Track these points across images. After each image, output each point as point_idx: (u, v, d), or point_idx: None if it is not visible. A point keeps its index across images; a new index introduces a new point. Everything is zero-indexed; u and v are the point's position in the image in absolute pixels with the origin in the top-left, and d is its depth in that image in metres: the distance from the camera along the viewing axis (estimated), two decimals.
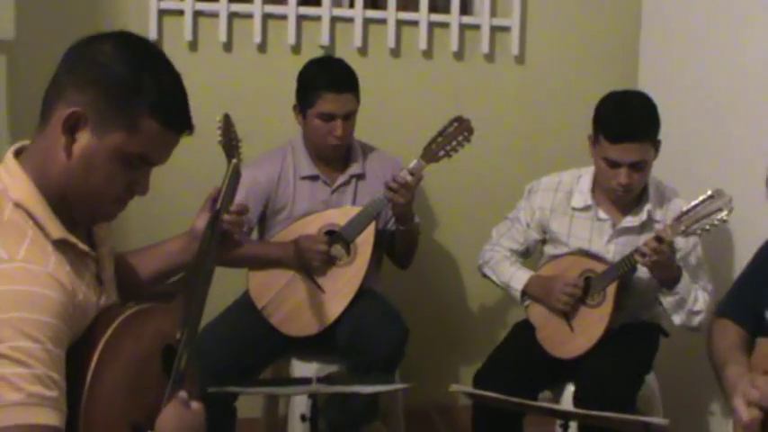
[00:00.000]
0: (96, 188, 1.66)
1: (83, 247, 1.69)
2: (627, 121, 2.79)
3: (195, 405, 1.74)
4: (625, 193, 2.86)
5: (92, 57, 1.64)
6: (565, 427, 2.47)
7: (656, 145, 2.85)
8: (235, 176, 2.16)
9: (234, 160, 2.21)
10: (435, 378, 3.75)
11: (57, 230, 1.63)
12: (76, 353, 1.58)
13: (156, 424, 1.66)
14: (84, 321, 1.65)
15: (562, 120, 3.87)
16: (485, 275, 3.23)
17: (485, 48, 3.77)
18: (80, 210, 1.69)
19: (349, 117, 3.06)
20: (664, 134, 3.15)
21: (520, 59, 3.84)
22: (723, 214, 2.57)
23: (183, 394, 1.72)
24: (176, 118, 1.70)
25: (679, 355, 3.36)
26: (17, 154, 1.69)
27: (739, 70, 3.23)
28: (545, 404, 2.55)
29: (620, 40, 3.92)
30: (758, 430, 2.01)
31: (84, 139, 1.62)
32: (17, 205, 1.60)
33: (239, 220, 2.16)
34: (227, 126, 2.39)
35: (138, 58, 1.66)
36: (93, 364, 1.59)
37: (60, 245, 1.63)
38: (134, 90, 1.62)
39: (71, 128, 1.61)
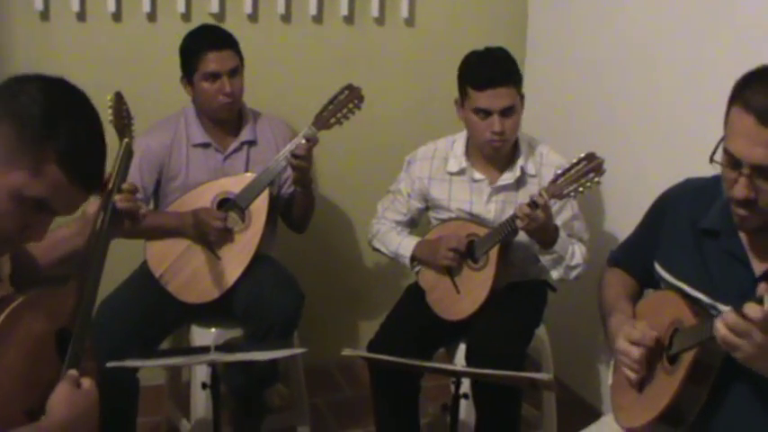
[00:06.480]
0: None
1: None
2: (492, 67, 2.90)
3: (86, 383, 1.74)
4: (501, 143, 2.92)
5: (16, 92, 1.60)
6: (457, 384, 2.57)
7: (521, 95, 2.95)
8: (127, 156, 2.11)
9: (126, 140, 2.15)
10: (335, 337, 3.81)
11: None
12: None
13: (47, 406, 1.67)
14: None
15: (452, 82, 3.90)
16: (375, 249, 3.30)
17: (375, 11, 3.79)
18: None
19: (234, 74, 3.09)
20: (549, 93, 3.23)
21: (410, 22, 3.87)
22: (595, 177, 2.61)
23: (72, 373, 1.72)
24: (84, 174, 1.64)
25: (568, 308, 3.50)
26: None
27: (622, 31, 3.34)
28: (436, 365, 2.62)
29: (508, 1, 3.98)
30: (643, 368, 2.09)
31: None
32: None
33: (131, 199, 2.07)
34: (119, 104, 2.31)
35: (60, 104, 1.61)
36: None
37: None
38: (47, 134, 1.57)
39: None
